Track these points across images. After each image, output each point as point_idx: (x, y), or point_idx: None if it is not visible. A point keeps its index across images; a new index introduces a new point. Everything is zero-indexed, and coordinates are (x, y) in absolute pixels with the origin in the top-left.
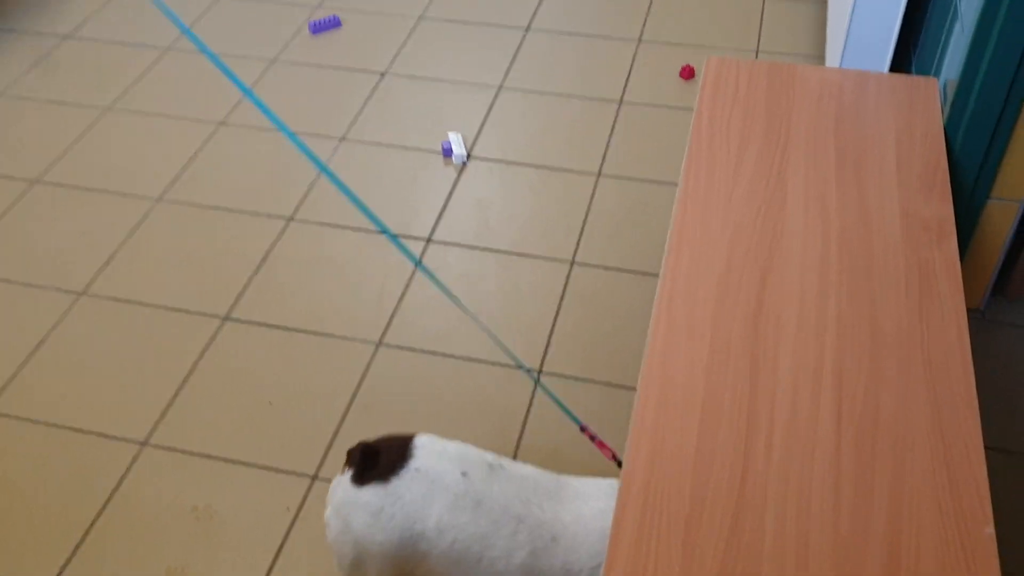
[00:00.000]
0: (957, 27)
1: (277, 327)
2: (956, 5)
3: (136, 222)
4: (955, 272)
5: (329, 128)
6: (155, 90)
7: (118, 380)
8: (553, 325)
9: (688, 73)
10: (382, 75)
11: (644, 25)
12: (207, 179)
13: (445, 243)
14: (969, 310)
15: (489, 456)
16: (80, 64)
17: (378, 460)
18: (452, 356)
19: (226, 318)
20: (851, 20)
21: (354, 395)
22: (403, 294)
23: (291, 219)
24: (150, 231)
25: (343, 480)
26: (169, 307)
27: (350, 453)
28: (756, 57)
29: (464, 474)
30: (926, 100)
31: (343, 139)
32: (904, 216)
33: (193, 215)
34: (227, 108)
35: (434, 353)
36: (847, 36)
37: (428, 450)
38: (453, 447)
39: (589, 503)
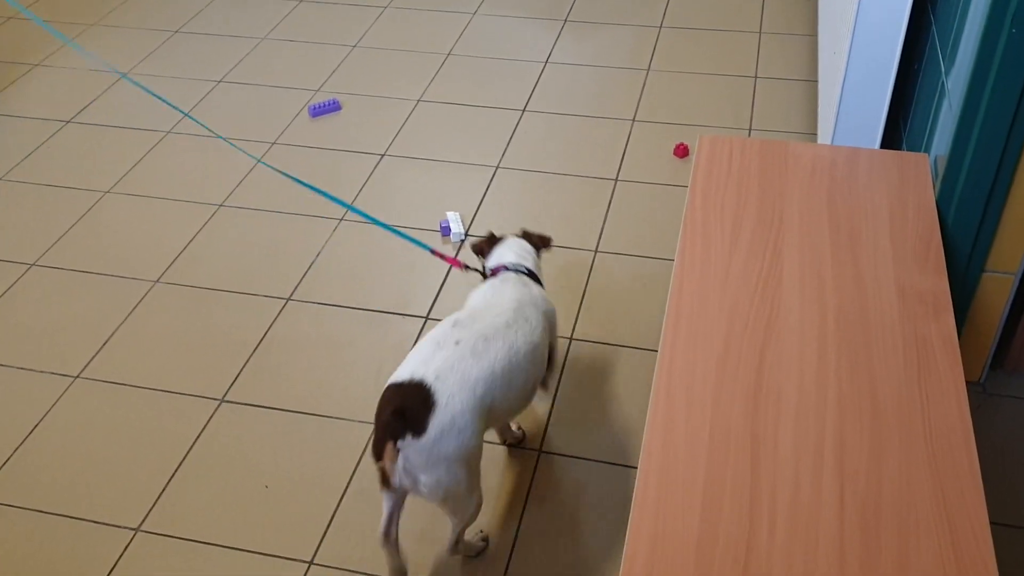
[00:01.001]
0: (945, 104)
1: (274, 409)
2: (943, 83)
3: (133, 304)
4: (953, 345)
5: (329, 208)
6: (154, 173)
7: (112, 465)
8: (553, 402)
9: (682, 151)
10: (381, 156)
11: (638, 105)
12: (205, 261)
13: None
14: (969, 383)
15: (451, 322)
16: (81, 148)
17: (405, 412)
18: None
19: (223, 400)
20: (841, 98)
21: (351, 478)
22: None
23: (289, 299)
24: (147, 313)
25: (408, 444)
26: (165, 390)
27: (387, 425)
28: (749, 135)
29: (456, 343)
30: (917, 175)
31: (343, 219)
32: (900, 290)
33: (191, 297)
34: (226, 190)
35: None
36: (838, 114)
37: (424, 363)
38: (428, 345)
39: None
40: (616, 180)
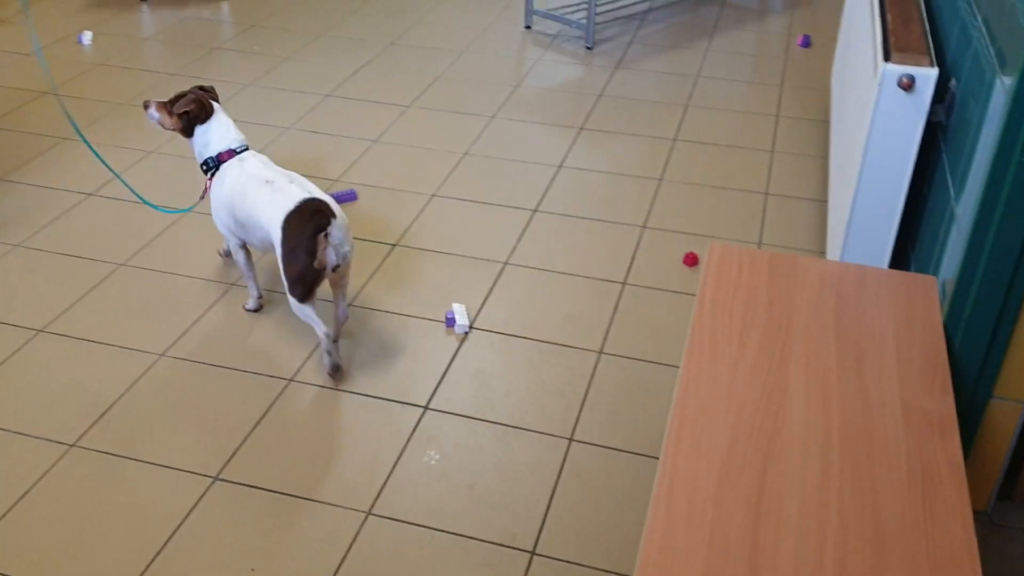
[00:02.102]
0: (954, 229)
1: (267, 490)
2: (952, 208)
3: (136, 376)
4: (959, 470)
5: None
6: (169, 249)
7: (100, 536)
8: (549, 505)
9: (691, 260)
10: (393, 246)
11: (649, 212)
12: (214, 338)
13: (443, 412)
14: (975, 512)
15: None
16: (100, 220)
17: (322, 209)
18: (444, 531)
19: (217, 478)
20: (851, 219)
21: (339, 566)
22: (396, 462)
23: (291, 380)
24: (150, 386)
25: (333, 225)
26: (160, 464)
27: (316, 224)
28: (758, 248)
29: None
30: (925, 297)
31: (350, 305)
32: (906, 409)
33: (194, 372)
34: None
35: (425, 527)
36: (847, 234)
37: (295, 191)
38: (278, 186)
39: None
40: (624, 284)
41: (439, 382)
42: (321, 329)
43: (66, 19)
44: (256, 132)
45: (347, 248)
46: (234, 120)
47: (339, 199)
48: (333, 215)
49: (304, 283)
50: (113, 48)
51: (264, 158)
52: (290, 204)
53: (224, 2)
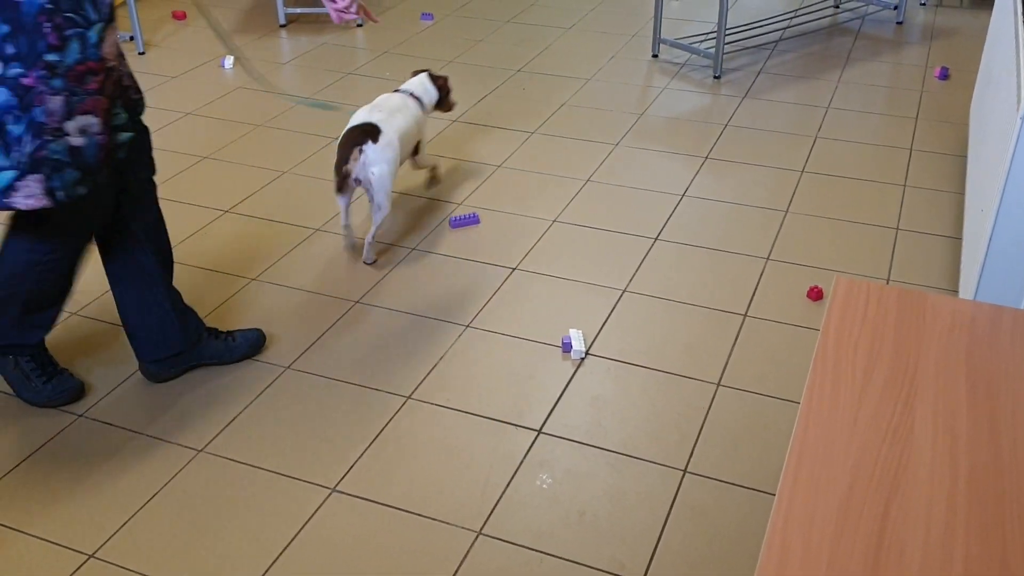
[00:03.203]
0: None
1: (381, 504)
2: None
3: (264, 386)
4: None
5: (458, 315)
6: (301, 264)
7: (219, 540)
8: (660, 536)
9: (816, 295)
10: (512, 270)
11: (774, 244)
12: (334, 351)
13: (556, 436)
14: None
15: (368, 108)
16: (233, 236)
17: (366, 131)
18: (553, 556)
19: (334, 490)
20: (987, 256)
21: None
22: (508, 484)
23: (409, 397)
24: (275, 396)
25: (368, 146)
26: (281, 473)
27: (355, 138)
28: (887, 284)
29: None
30: None
31: (468, 326)
32: None
33: (315, 385)
34: (364, 287)
35: (534, 550)
36: (982, 272)
37: (366, 117)
38: (361, 113)
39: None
40: (745, 316)
41: (553, 406)
42: (342, 221)
43: (210, 44)
44: None
45: (373, 170)
46: None
47: (462, 223)
48: (373, 140)
49: (336, 177)
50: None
51: (400, 98)
52: (353, 122)
53: (359, 29)
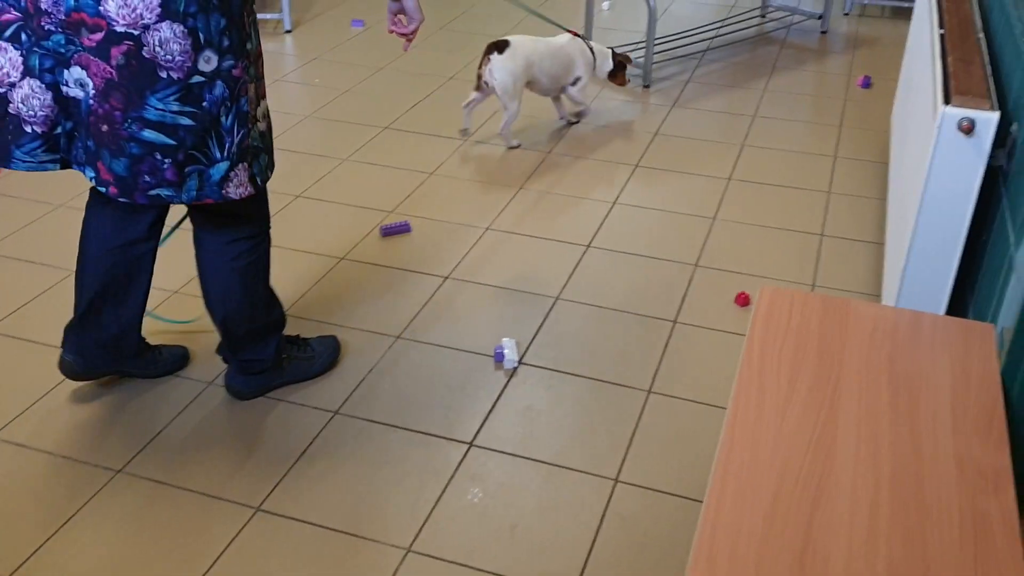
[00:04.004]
0: (1013, 277)
1: (307, 523)
2: (1011, 257)
3: (185, 404)
4: (1013, 527)
5: (388, 326)
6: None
7: (137, 567)
8: (591, 548)
9: (744, 300)
10: (444, 279)
11: (702, 251)
12: None
13: (488, 449)
14: None
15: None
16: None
17: (497, 45)
18: (484, 571)
19: (258, 509)
20: (907, 263)
21: None
22: (438, 499)
23: (336, 412)
24: (196, 412)
25: (495, 57)
26: (202, 492)
27: (488, 48)
28: (812, 291)
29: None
30: (982, 345)
31: (399, 337)
32: (959, 462)
33: (236, 400)
34: (291, 297)
35: (465, 566)
36: (903, 278)
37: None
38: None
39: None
40: (675, 322)
41: (485, 418)
42: (465, 109)
43: None
44: (313, 163)
45: (495, 75)
46: (297, 151)
47: (392, 231)
48: (499, 52)
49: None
50: None
51: (570, 40)
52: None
53: (288, 35)
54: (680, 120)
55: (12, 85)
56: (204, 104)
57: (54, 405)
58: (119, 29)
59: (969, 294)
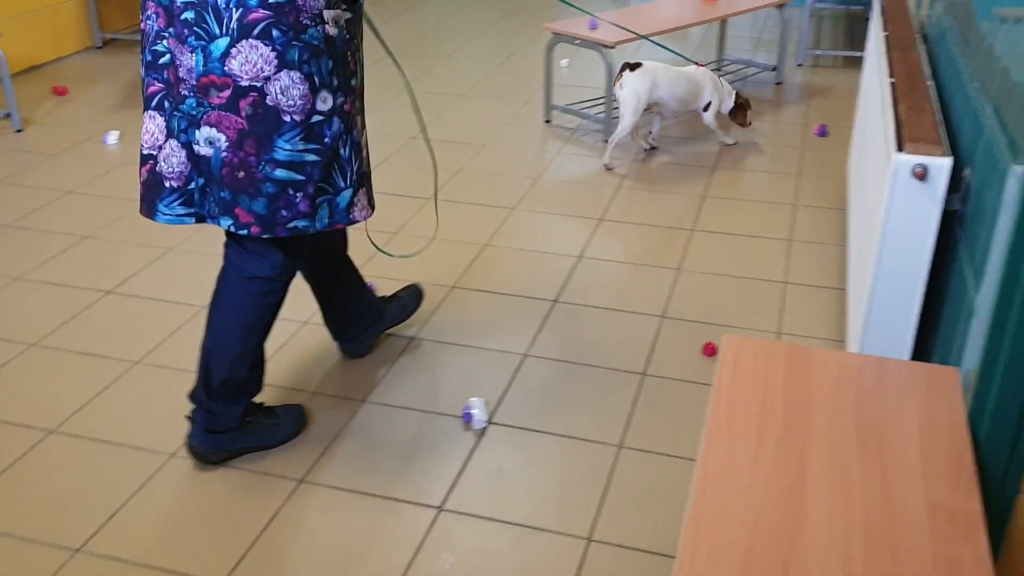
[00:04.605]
0: (974, 320)
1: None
2: (971, 299)
3: (146, 478)
4: (987, 571)
5: (353, 389)
6: (185, 346)
7: None
8: None
9: (711, 351)
10: (411, 339)
11: (668, 302)
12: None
13: (458, 512)
14: None
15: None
16: (116, 318)
17: (630, 65)
18: None
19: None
20: (869, 309)
21: None
22: (408, 566)
23: (302, 481)
24: (158, 489)
25: (625, 75)
26: (164, 568)
27: (622, 66)
28: (777, 338)
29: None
30: (948, 389)
31: (365, 401)
32: (931, 509)
33: (203, 474)
34: None
35: None
36: (866, 324)
37: (648, 62)
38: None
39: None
40: (643, 375)
41: (455, 481)
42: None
43: (93, 120)
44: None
45: (622, 91)
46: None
47: None
48: (631, 71)
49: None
50: (137, 148)
51: (704, 73)
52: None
53: None
54: (642, 173)
55: (159, 148)
56: (326, 140)
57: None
58: (244, 84)
59: (933, 338)
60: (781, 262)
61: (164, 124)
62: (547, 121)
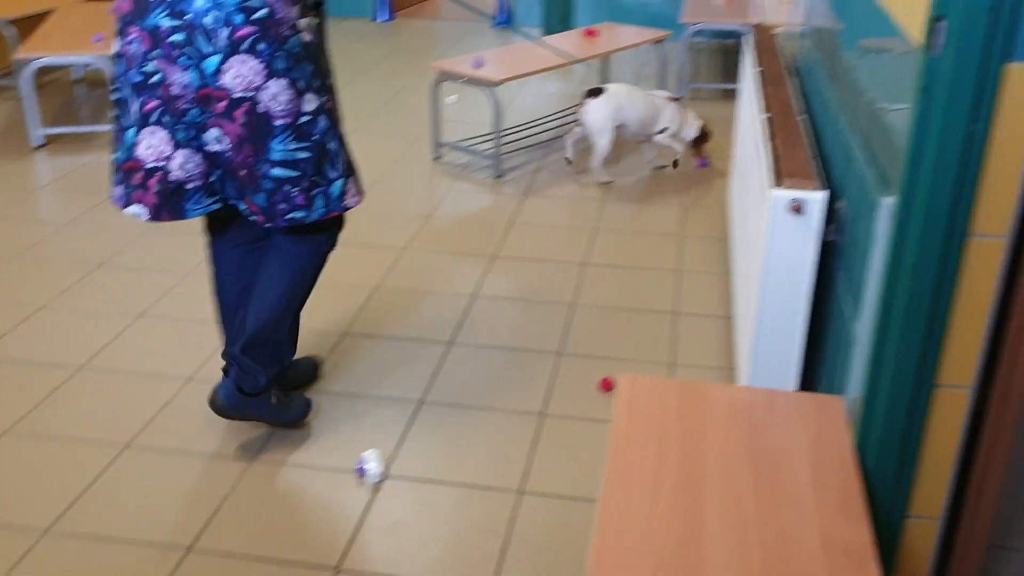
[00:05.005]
0: (855, 348)
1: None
2: (852, 327)
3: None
4: None
5: (240, 449)
6: (179, 421)
7: None
8: None
9: (607, 386)
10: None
11: (564, 338)
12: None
13: (356, 571)
14: None
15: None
16: (94, 395)
17: (593, 91)
18: None
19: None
20: (756, 339)
21: None
22: None
23: (190, 550)
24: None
25: (588, 102)
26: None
27: (585, 93)
28: (671, 369)
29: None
30: (834, 418)
31: (253, 460)
32: (824, 542)
33: (68, 545)
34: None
35: None
36: (753, 355)
37: (611, 86)
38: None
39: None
40: (542, 415)
41: (351, 539)
42: (568, 146)
43: None
44: (155, 280)
45: (586, 117)
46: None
47: None
48: (595, 97)
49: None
50: (6, 198)
51: (664, 99)
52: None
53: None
54: (534, 208)
55: (168, 158)
56: (314, 137)
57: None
58: (237, 95)
59: (818, 367)
60: (671, 293)
61: (168, 136)
62: (436, 158)
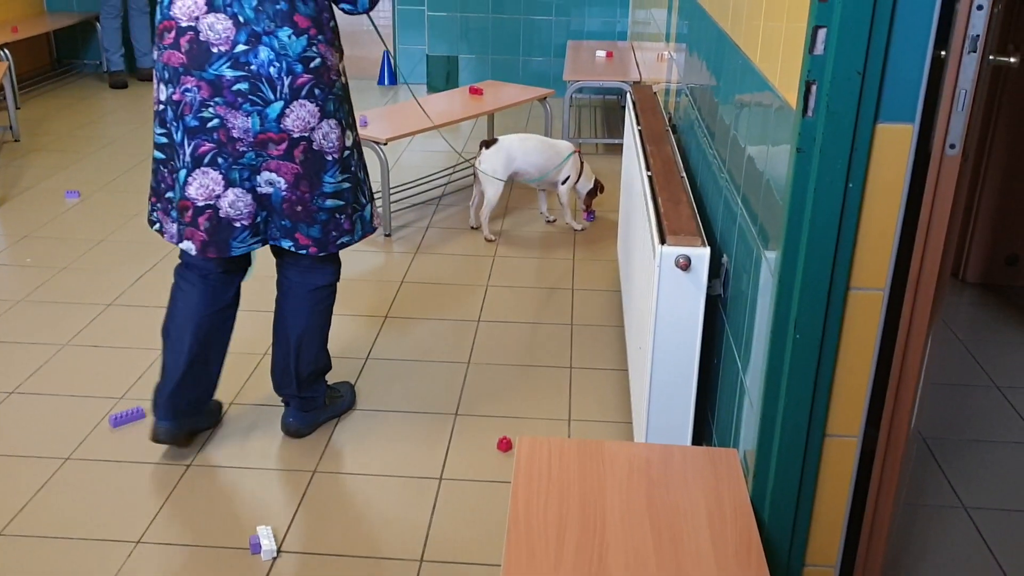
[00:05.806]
0: (746, 401)
1: None
2: (742, 380)
3: None
4: None
5: (125, 528)
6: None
7: None
8: None
9: (506, 446)
10: (187, 466)
11: (460, 398)
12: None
13: None
14: None
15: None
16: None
17: (487, 143)
18: None
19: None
20: (650, 394)
21: None
22: None
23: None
24: None
25: (483, 152)
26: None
27: (481, 144)
28: (570, 425)
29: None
30: (730, 472)
31: (139, 542)
32: None
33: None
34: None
35: None
36: (648, 409)
37: (505, 137)
38: (511, 137)
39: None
40: (440, 479)
41: None
42: (472, 204)
43: None
44: (28, 352)
45: (481, 167)
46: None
47: (125, 419)
48: (487, 148)
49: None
50: None
51: (563, 149)
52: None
53: None
54: (425, 266)
55: (218, 196)
56: (352, 168)
57: None
58: (296, 136)
59: (712, 420)
60: (565, 347)
61: (221, 177)
62: None
